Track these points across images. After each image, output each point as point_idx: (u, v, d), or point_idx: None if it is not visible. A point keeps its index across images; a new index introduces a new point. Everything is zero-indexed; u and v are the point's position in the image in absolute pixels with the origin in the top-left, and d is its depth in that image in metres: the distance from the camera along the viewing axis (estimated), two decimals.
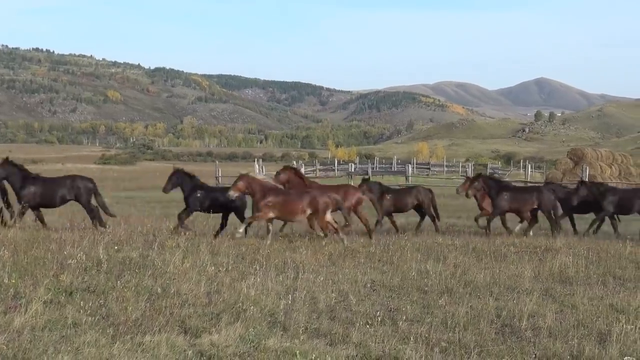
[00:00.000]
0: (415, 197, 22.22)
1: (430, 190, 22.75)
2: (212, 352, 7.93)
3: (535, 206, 21.24)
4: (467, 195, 21.47)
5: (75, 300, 9.84)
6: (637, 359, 8.16)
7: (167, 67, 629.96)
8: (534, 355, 8.27)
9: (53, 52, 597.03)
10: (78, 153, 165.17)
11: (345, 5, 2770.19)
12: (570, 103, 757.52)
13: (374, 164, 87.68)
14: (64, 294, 10.14)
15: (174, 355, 7.83)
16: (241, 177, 18.38)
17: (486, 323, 9.52)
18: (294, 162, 74.54)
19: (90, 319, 8.99)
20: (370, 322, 9.30)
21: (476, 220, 21.89)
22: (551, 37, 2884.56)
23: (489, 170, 79.26)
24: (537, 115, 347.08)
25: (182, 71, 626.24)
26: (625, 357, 8.19)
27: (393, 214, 22.23)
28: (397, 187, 26.84)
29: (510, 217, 22.68)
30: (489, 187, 21.20)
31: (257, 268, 12.82)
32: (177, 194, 20.82)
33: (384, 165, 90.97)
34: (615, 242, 18.88)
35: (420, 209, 22.52)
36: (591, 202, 21.94)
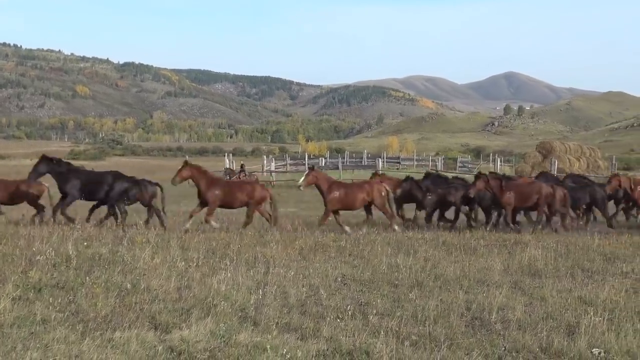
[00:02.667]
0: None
1: None
2: (182, 348, 7.89)
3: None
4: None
5: (44, 296, 9.76)
6: (605, 350, 8.23)
7: (137, 62, 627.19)
8: (503, 348, 8.31)
9: (21, 46, 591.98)
10: (47, 149, 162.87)
11: None
12: (539, 97, 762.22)
13: (344, 158, 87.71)
14: (32, 291, 10.06)
15: (144, 351, 7.78)
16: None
17: (456, 316, 9.55)
18: (264, 157, 74.53)
19: (59, 315, 8.93)
20: (340, 316, 9.30)
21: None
22: (519, 31, 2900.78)
23: (458, 164, 79.70)
24: (506, 109, 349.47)
25: (152, 66, 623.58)
26: (594, 349, 8.25)
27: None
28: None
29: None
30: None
31: (228, 263, 12.77)
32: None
33: (354, 160, 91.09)
34: (583, 236, 19.08)
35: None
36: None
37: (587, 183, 24.70)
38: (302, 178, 20.66)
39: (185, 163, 20.38)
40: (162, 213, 20.14)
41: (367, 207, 21.52)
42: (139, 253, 13.01)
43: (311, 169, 21.00)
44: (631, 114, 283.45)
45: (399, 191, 21.73)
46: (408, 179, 22.51)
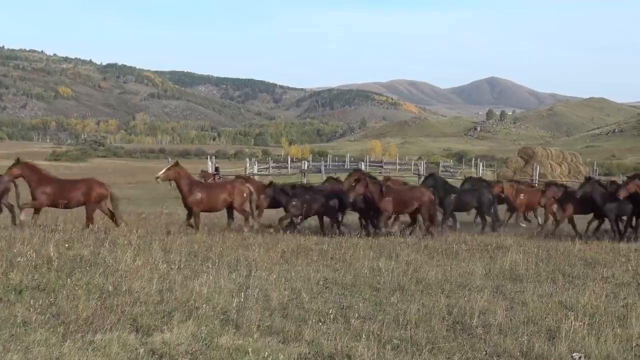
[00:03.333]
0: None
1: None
2: (164, 350, 7.89)
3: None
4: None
5: (25, 298, 9.72)
6: (585, 355, 8.28)
7: (119, 63, 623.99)
8: (484, 352, 8.35)
9: (3, 47, 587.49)
10: (28, 149, 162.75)
11: (299, 2, 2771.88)
12: (521, 102, 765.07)
13: (327, 161, 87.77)
14: (13, 292, 10.01)
15: (125, 353, 7.77)
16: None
17: (437, 320, 9.58)
18: (247, 160, 74.49)
19: (40, 317, 8.89)
20: (322, 320, 9.31)
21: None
22: (502, 36, 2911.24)
23: (440, 169, 79.84)
24: (489, 114, 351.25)
25: (135, 67, 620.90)
26: (574, 354, 8.30)
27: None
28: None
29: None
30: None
31: (210, 266, 12.78)
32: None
33: (337, 163, 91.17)
34: (564, 241, 19.19)
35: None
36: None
37: (481, 186, 24.70)
38: (163, 170, 20.00)
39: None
40: (15, 209, 19.65)
41: (229, 210, 20.84)
42: (121, 255, 12.98)
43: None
44: (612, 120, 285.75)
45: (262, 196, 21.22)
46: (272, 184, 22.04)
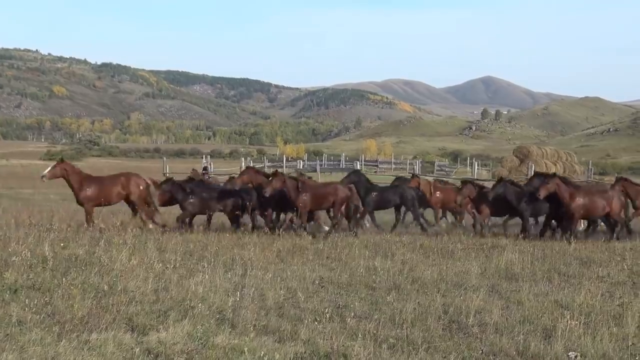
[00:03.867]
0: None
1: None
2: (159, 350, 7.87)
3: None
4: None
5: (20, 298, 9.71)
6: (581, 354, 8.27)
7: (114, 63, 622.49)
8: (480, 351, 8.35)
9: None
10: (23, 149, 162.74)
11: (294, 2, 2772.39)
12: (516, 101, 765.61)
13: (322, 161, 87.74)
14: (8, 292, 10.01)
15: (121, 353, 7.76)
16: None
17: (433, 319, 9.58)
18: (242, 159, 74.47)
19: (35, 317, 8.88)
20: (318, 319, 9.30)
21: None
22: (497, 36, 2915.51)
23: (436, 168, 79.93)
24: (484, 114, 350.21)
25: (129, 67, 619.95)
26: (570, 353, 8.30)
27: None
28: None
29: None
30: None
31: (205, 265, 12.76)
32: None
33: (332, 162, 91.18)
34: (559, 240, 19.20)
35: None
36: None
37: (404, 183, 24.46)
38: (48, 169, 19.64)
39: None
40: None
41: (129, 204, 20.41)
42: (116, 254, 12.97)
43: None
44: (607, 119, 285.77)
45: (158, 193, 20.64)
46: (169, 180, 21.58)
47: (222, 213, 20.99)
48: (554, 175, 21.27)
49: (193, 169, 38.21)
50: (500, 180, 22.10)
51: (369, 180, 23.10)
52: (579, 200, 20.16)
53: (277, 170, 22.62)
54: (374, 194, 22.12)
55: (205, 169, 48.62)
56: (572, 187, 20.67)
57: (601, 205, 20.48)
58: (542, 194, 20.15)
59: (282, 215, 21.51)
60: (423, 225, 21.95)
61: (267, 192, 19.34)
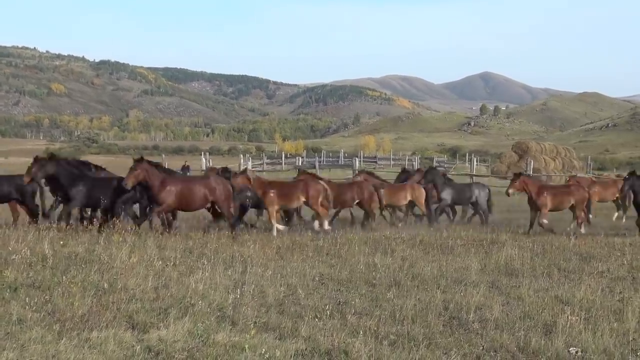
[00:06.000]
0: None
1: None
2: (160, 348, 7.87)
3: None
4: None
5: (20, 296, 9.69)
6: (582, 349, 8.28)
7: (113, 60, 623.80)
8: (481, 347, 8.35)
9: None
10: (22, 147, 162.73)
11: None
12: (515, 97, 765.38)
13: (321, 157, 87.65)
14: (8, 290, 9.99)
15: (121, 351, 7.75)
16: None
17: (434, 315, 9.58)
18: (241, 156, 74.40)
19: (35, 315, 8.87)
20: (319, 316, 9.30)
21: None
22: (495, 31, 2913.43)
23: (435, 164, 79.85)
24: (482, 109, 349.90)
25: (128, 64, 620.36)
26: (571, 348, 8.30)
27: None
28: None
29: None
30: None
31: (205, 262, 12.75)
32: None
33: (331, 159, 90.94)
34: (559, 236, 19.22)
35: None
36: None
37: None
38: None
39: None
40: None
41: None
42: (116, 252, 12.96)
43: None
44: (606, 114, 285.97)
45: None
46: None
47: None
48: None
49: (185, 164, 37.82)
50: (404, 170, 22.73)
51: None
52: None
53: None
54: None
55: (184, 168, 47.71)
56: None
57: None
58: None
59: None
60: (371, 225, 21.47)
61: (129, 184, 17.69)
